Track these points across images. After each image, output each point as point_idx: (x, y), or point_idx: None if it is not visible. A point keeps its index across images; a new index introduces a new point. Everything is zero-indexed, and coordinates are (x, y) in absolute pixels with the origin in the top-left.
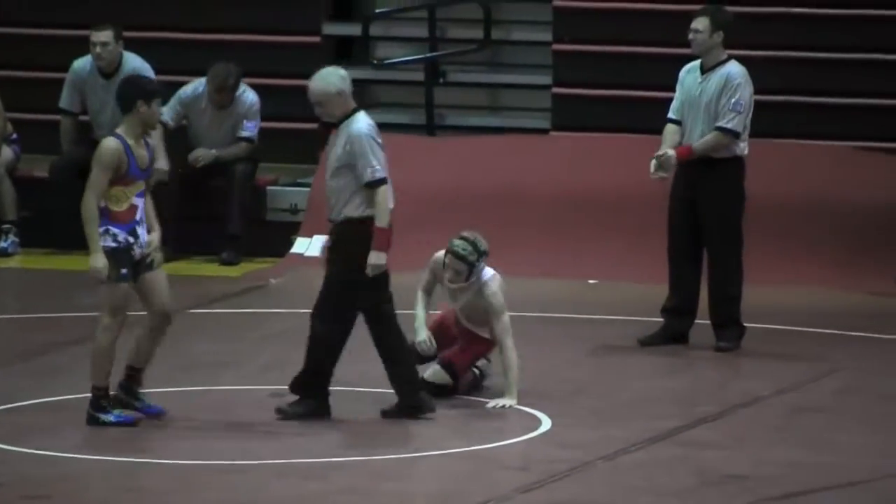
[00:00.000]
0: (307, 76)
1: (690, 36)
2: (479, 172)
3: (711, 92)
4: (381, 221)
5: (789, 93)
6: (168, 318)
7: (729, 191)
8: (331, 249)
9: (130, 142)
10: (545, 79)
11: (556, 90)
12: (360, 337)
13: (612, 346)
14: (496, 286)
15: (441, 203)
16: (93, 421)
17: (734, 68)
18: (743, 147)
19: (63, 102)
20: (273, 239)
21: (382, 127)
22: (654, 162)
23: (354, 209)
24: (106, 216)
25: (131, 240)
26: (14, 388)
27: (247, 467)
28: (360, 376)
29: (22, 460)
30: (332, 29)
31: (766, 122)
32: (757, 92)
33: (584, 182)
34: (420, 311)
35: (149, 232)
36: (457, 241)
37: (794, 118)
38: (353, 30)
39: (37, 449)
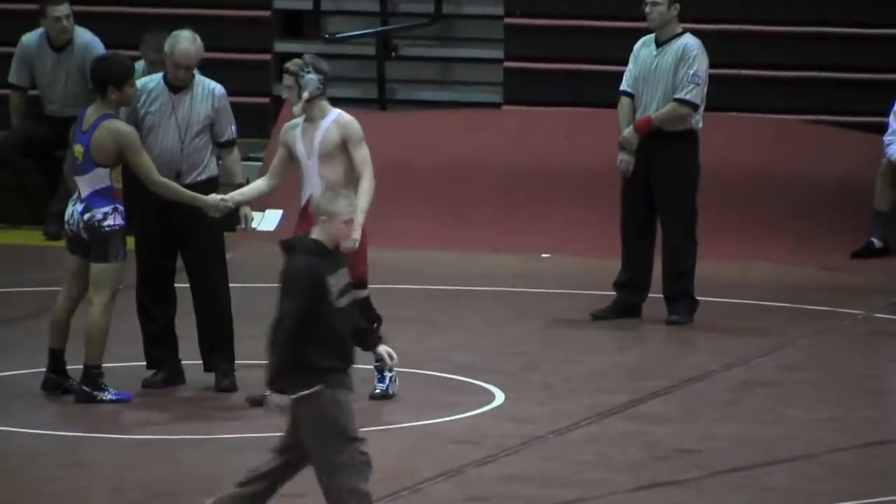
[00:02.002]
0: (258, 50)
1: (647, 9)
2: (430, 147)
3: (668, 64)
4: (239, 178)
5: (740, 66)
6: None
7: (683, 165)
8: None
9: None
10: (497, 53)
11: (507, 64)
12: None
13: (564, 320)
14: (351, 118)
15: (393, 178)
16: (87, 398)
17: (690, 40)
18: (698, 120)
19: (12, 77)
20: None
21: (334, 102)
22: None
23: (213, 170)
24: (113, 195)
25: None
26: None
27: (196, 441)
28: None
29: None
30: (283, 3)
31: (719, 96)
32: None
33: (536, 156)
34: (250, 184)
35: None
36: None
37: (746, 92)
38: (304, 4)
39: None
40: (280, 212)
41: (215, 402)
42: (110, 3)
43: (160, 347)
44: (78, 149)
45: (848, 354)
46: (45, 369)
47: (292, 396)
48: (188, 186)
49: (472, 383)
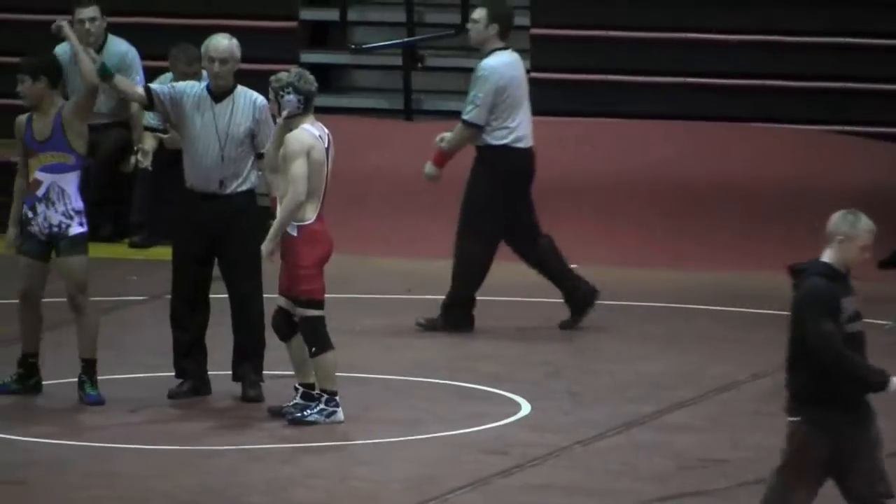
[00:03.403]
0: (284, 61)
1: (469, 25)
2: (456, 157)
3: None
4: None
5: (764, 77)
6: (72, 303)
7: (476, 179)
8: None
9: (35, 114)
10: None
11: (533, 74)
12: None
13: (589, 330)
14: (298, 132)
15: (418, 187)
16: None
17: (486, 61)
18: (502, 135)
19: None
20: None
21: (360, 112)
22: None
23: (254, 181)
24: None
25: (30, 215)
26: None
27: (221, 452)
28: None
29: None
30: (309, 14)
31: (744, 106)
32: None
33: (562, 166)
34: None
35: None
36: None
37: (771, 103)
38: (331, 15)
39: (11, 434)
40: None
41: (242, 413)
42: (137, 14)
43: (189, 358)
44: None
45: (875, 364)
46: (72, 379)
47: (795, 419)
48: (229, 196)
49: (498, 393)
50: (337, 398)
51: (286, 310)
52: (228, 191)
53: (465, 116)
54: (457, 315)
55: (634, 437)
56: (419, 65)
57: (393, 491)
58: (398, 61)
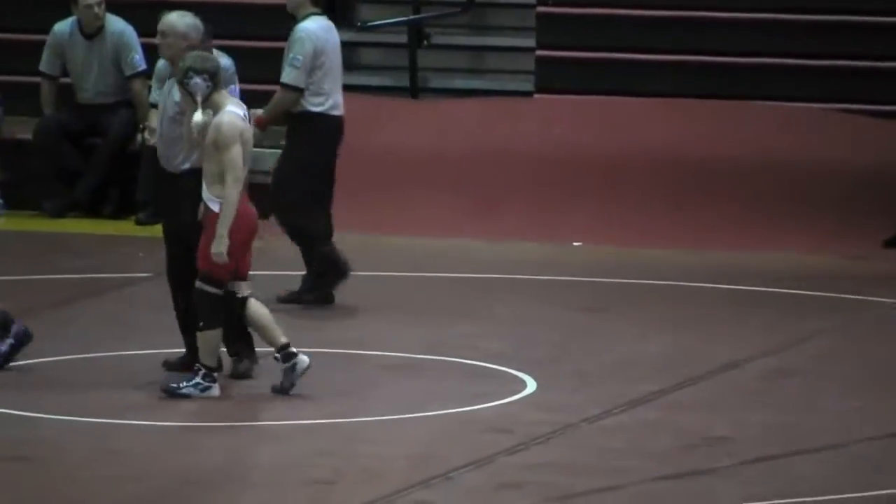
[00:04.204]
0: (287, 39)
1: None
2: (462, 135)
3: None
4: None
5: (772, 55)
6: None
7: (291, 147)
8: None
9: None
10: (529, 41)
11: (539, 53)
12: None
13: (594, 309)
14: (228, 118)
15: (424, 166)
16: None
17: (302, 24)
18: (319, 102)
19: (43, 66)
20: (256, 202)
21: (366, 90)
22: None
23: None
24: None
25: None
26: None
27: (226, 429)
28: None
29: (6, 422)
30: None
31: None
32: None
33: (567, 144)
34: None
35: None
36: None
37: (778, 81)
38: None
39: (15, 410)
40: None
41: (244, 391)
42: None
43: (186, 332)
44: None
45: (879, 344)
46: (73, 356)
47: None
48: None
49: (503, 371)
50: (215, 374)
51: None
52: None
53: (284, 79)
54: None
55: (639, 416)
56: (425, 42)
57: (398, 468)
58: (404, 39)
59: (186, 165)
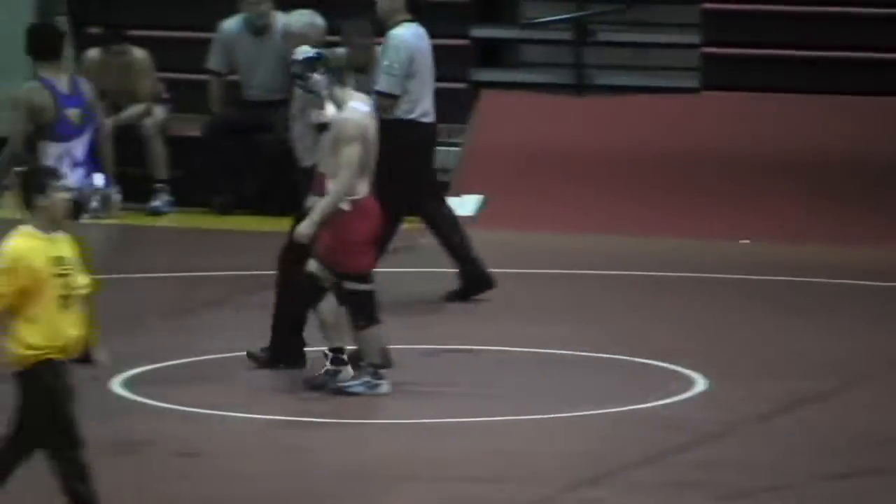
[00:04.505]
0: (455, 36)
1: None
2: (626, 132)
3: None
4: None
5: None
6: None
7: (387, 154)
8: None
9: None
10: (694, 38)
11: (704, 49)
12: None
13: (764, 306)
14: (354, 114)
15: (588, 163)
16: None
17: (394, 31)
18: (408, 109)
19: (211, 63)
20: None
21: (529, 87)
22: None
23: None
24: None
25: None
26: (163, 346)
27: (389, 426)
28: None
29: (173, 418)
30: None
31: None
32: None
33: (732, 141)
34: None
35: None
36: None
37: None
38: None
39: (187, 406)
40: (479, 197)
41: (407, 388)
42: None
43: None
44: (74, 112)
45: None
46: (235, 353)
47: None
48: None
49: (674, 369)
50: (381, 371)
51: (318, 275)
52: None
53: (377, 87)
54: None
55: (812, 414)
56: (589, 39)
57: (566, 466)
58: (569, 36)
59: (310, 162)
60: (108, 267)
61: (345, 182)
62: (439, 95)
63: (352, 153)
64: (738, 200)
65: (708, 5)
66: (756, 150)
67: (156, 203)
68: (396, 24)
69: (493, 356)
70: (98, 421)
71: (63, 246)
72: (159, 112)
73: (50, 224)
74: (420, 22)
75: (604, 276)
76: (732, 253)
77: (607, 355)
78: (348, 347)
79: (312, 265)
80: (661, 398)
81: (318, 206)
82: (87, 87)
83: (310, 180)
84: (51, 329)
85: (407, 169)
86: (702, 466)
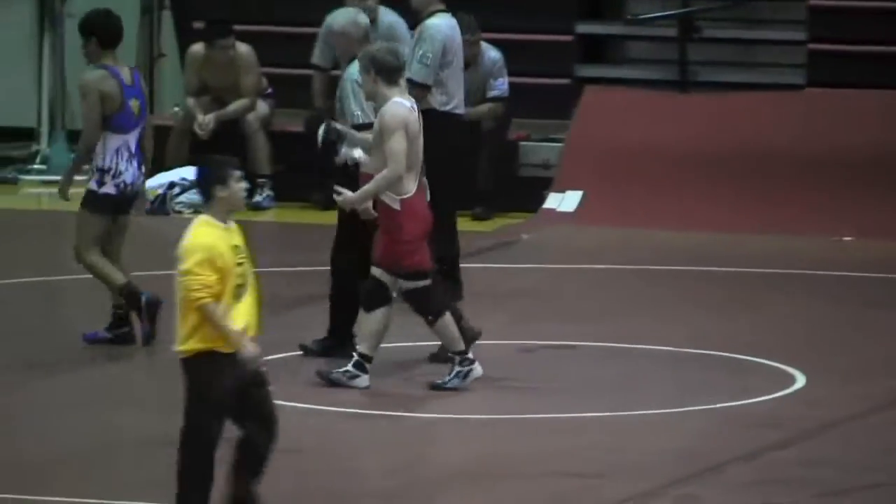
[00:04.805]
0: (559, 32)
1: None
2: (731, 129)
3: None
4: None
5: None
6: None
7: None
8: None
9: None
10: (800, 34)
11: (811, 46)
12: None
13: (863, 304)
14: (394, 107)
15: (690, 160)
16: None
17: (430, 21)
18: (444, 101)
19: (315, 58)
20: (525, 194)
21: (633, 83)
22: None
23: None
24: None
25: None
26: (262, 341)
27: (491, 422)
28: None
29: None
30: None
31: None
32: None
33: (840, 138)
34: None
35: None
36: None
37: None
38: None
39: (286, 401)
40: (580, 193)
41: (508, 384)
42: None
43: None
44: (135, 103)
45: None
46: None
47: None
48: None
49: (771, 365)
50: (469, 355)
51: (382, 281)
52: None
53: (411, 75)
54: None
55: None
56: (695, 35)
57: (665, 463)
58: (674, 32)
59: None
60: None
61: (395, 172)
62: (543, 91)
63: (397, 143)
64: (842, 197)
65: (814, 2)
66: (861, 147)
67: (257, 198)
68: (431, 14)
69: (591, 352)
70: None
71: (237, 235)
72: (262, 107)
73: (227, 214)
74: (468, 15)
75: (703, 272)
76: (833, 250)
77: (705, 351)
78: (370, 354)
79: (376, 271)
80: (760, 395)
81: (367, 187)
82: (142, 80)
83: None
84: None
85: (445, 159)
86: (799, 464)
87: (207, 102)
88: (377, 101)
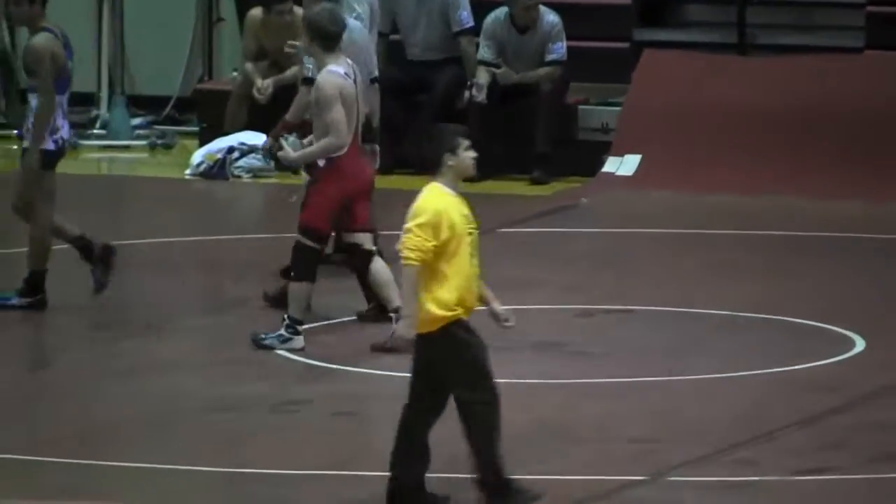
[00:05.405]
0: None
1: None
2: (789, 93)
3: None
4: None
5: None
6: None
7: None
8: None
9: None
10: None
11: (870, 8)
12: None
13: None
14: (328, 76)
15: (749, 124)
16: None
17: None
18: None
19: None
20: (584, 158)
21: (692, 46)
22: None
23: None
24: None
25: None
26: (325, 306)
27: (549, 386)
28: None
29: (333, 378)
30: None
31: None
32: None
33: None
34: None
35: None
36: None
37: None
38: None
39: (346, 366)
40: (639, 157)
41: (568, 349)
42: None
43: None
44: (71, 64)
45: None
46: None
47: None
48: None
49: (830, 329)
50: (298, 327)
51: (356, 242)
52: None
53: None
54: None
55: None
56: None
57: (721, 427)
58: None
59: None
60: (269, 226)
61: (336, 143)
62: (600, 55)
63: (336, 114)
64: (891, 160)
65: None
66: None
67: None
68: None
69: (648, 316)
70: (257, 380)
71: (466, 204)
72: None
73: (457, 182)
74: None
75: (761, 236)
76: (889, 214)
77: (763, 315)
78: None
79: (350, 236)
80: (818, 359)
81: (303, 152)
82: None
83: None
84: (464, 288)
85: None
86: (856, 428)
87: (266, 67)
88: (316, 62)
